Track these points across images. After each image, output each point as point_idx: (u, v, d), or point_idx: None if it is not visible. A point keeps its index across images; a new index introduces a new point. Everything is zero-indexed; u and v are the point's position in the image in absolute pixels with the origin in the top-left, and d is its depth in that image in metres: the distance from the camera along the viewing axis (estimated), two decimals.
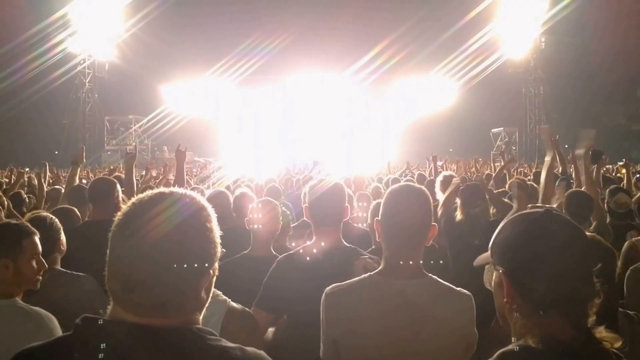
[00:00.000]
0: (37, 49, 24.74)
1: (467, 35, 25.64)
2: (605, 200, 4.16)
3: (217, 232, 1.09)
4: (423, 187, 1.91)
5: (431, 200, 1.85)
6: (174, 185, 4.69)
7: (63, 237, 2.56)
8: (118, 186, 3.40)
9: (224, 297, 1.85)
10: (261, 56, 26.98)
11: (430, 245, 1.84)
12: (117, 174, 8.18)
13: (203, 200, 1.10)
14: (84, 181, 8.30)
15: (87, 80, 29.38)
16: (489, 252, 1.26)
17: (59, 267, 2.52)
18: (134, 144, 27.32)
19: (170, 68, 27.58)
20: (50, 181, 8.20)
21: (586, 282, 1.12)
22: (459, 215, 3.86)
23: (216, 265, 1.09)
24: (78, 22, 27.32)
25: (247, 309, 1.95)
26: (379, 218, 1.82)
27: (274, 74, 28.15)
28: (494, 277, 1.24)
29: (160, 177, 6.74)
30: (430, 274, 1.80)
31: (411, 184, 2.04)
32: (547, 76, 29.56)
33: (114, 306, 1.01)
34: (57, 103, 27.90)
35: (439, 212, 3.98)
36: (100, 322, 0.98)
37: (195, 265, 1.01)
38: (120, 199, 3.32)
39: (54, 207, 3.77)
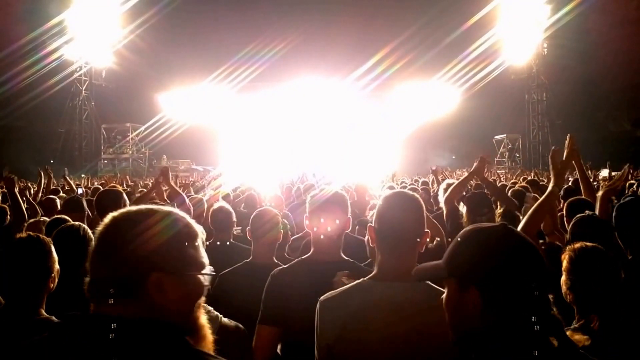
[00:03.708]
0: (32, 56, 24.54)
1: (469, 42, 25.50)
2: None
3: None
4: (416, 194, 1.93)
5: (424, 207, 1.89)
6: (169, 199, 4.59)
7: None
8: (125, 196, 3.52)
9: (216, 312, 1.84)
10: (262, 63, 26.83)
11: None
12: (113, 184, 7.83)
13: None
14: (80, 190, 7.96)
15: (83, 88, 29.07)
16: (444, 267, 1.25)
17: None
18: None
19: (169, 75, 27.33)
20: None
21: (547, 289, 1.15)
22: (464, 223, 3.79)
23: None
24: (75, 29, 27.09)
25: (240, 325, 1.95)
26: (372, 224, 1.86)
27: (275, 80, 27.93)
28: (445, 293, 1.25)
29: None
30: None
31: (404, 190, 2.04)
32: (550, 82, 29.33)
33: None
34: (53, 111, 27.57)
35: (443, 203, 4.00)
36: None
37: None
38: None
39: (51, 217, 3.84)
